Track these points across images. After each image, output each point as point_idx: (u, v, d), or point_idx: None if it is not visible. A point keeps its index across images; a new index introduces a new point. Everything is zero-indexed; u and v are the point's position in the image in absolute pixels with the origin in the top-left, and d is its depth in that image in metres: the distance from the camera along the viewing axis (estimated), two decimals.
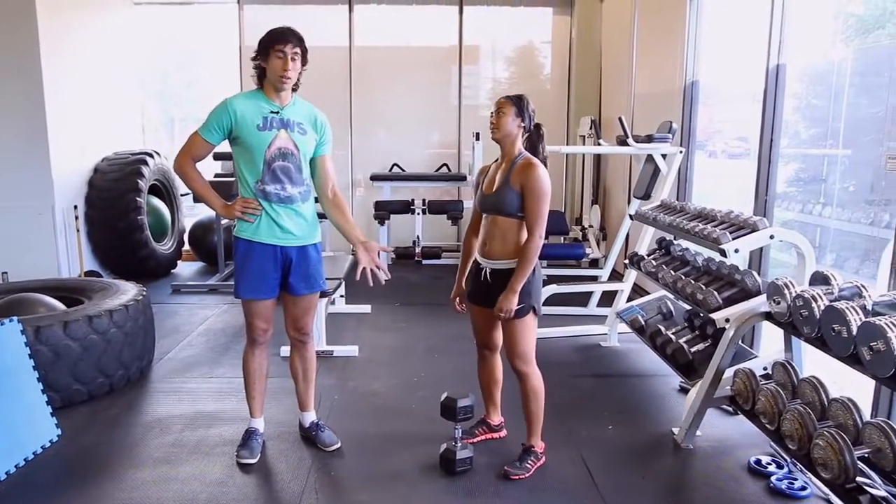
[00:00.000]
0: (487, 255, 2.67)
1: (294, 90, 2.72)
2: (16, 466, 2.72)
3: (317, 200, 2.84)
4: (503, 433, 3.06)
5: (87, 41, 6.02)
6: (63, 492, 2.60)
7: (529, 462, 2.71)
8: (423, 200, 6.66)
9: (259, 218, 2.66)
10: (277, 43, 2.56)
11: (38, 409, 2.96)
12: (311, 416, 3.04)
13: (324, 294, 4.13)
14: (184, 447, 2.95)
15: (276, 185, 2.65)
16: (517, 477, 2.66)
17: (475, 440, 2.98)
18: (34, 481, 2.66)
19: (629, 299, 4.50)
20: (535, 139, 2.70)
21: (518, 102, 2.64)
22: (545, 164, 2.66)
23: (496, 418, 3.06)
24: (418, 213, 6.62)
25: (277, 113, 2.64)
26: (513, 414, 3.03)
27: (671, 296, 3.95)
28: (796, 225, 4.21)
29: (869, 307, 2.38)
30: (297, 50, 2.60)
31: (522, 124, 2.64)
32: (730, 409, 3.22)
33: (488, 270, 2.66)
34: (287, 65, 2.57)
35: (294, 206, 2.69)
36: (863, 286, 2.51)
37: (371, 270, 2.64)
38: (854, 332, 2.21)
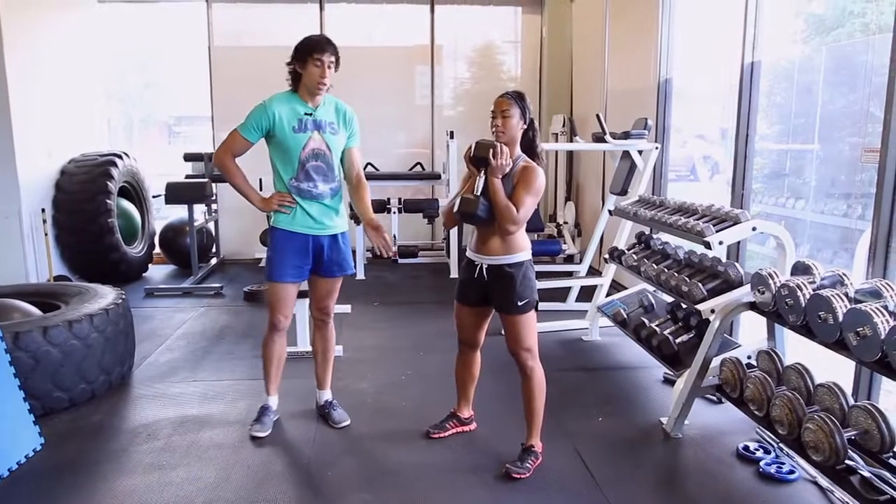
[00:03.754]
0: (486, 252, 2.67)
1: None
2: (0, 478, 2.64)
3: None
4: (473, 426, 3.10)
5: (52, 40, 5.85)
6: (52, 502, 2.52)
7: (530, 461, 2.71)
8: (399, 199, 6.64)
9: (294, 210, 2.89)
10: (316, 52, 2.76)
11: (20, 417, 2.87)
12: (326, 395, 3.25)
13: (303, 294, 4.12)
14: (174, 452, 2.89)
15: (309, 182, 2.88)
16: (519, 476, 2.65)
17: (446, 434, 3.02)
18: (19, 493, 2.57)
19: (607, 294, 4.57)
20: (531, 135, 2.66)
21: (520, 101, 2.59)
22: (541, 159, 2.67)
23: (466, 412, 3.09)
24: (394, 213, 6.61)
25: (311, 115, 2.85)
26: (501, 412, 3.05)
27: (651, 289, 4.03)
28: (765, 218, 4.33)
29: (851, 295, 2.47)
30: (333, 59, 2.80)
31: (524, 125, 2.62)
32: (714, 398, 3.30)
33: (485, 266, 2.67)
34: (325, 73, 2.78)
35: (324, 201, 2.93)
36: (844, 275, 2.61)
37: (382, 248, 2.94)
38: (840, 319, 2.29)
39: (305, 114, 2.84)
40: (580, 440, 3.00)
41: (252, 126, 2.83)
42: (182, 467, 2.76)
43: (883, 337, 2.10)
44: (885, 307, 2.21)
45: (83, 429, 3.13)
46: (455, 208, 2.66)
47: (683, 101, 5.16)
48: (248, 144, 2.88)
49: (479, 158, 2.58)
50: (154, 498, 2.53)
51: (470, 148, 2.62)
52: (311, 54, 2.76)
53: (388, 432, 3.09)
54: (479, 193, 2.58)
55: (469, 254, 2.76)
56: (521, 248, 2.63)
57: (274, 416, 3.16)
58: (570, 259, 6.58)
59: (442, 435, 3.01)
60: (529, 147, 2.68)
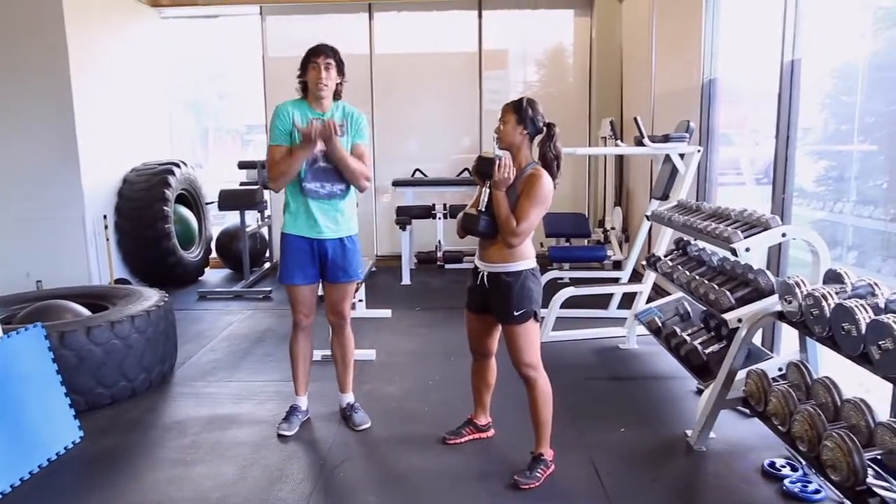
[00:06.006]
0: (486, 259, 2.67)
1: (336, 99, 3.02)
2: (39, 467, 2.82)
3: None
4: (490, 433, 3.08)
5: (116, 54, 6.21)
6: (83, 492, 2.68)
7: (539, 471, 2.67)
8: (445, 205, 6.67)
9: (299, 216, 2.99)
10: (312, 56, 2.91)
11: (61, 411, 3.06)
12: (347, 398, 3.30)
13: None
14: (200, 449, 3.01)
15: (316, 183, 2.97)
16: (527, 486, 2.62)
17: (462, 440, 3.02)
18: (55, 482, 2.75)
19: (650, 300, 4.45)
20: (545, 140, 2.62)
21: (517, 109, 2.58)
22: (559, 164, 2.63)
23: (483, 419, 3.08)
24: (440, 218, 6.64)
25: (320, 119, 2.91)
26: (520, 419, 3.02)
27: (688, 297, 3.90)
28: (827, 225, 4.10)
29: (882, 305, 2.33)
30: (330, 60, 2.90)
31: (525, 131, 2.59)
32: (746, 411, 3.16)
33: (486, 274, 2.67)
34: (321, 74, 2.88)
35: (331, 202, 3.00)
36: (875, 284, 2.45)
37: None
38: (863, 331, 2.17)
39: (315, 119, 2.93)
40: (598, 451, 2.94)
41: (279, 132, 2.93)
42: (204, 463, 2.87)
43: None
44: None
45: (121, 424, 3.31)
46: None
47: (760, 99, 4.90)
48: (287, 150, 2.92)
49: (481, 172, 2.59)
50: (174, 491, 2.64)
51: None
52: (309, 60, 2.90)
53: (406, 436, 3.12)
54: (483, 207, 2.59)
55: (475, 260, 2.76)
56: (521, 256, 2.61)
57: (303, 416, 3.25)
58: (617, 265, 6.44)
59: (458, 441, 3.01)
60: (545, 152, 2.64)
